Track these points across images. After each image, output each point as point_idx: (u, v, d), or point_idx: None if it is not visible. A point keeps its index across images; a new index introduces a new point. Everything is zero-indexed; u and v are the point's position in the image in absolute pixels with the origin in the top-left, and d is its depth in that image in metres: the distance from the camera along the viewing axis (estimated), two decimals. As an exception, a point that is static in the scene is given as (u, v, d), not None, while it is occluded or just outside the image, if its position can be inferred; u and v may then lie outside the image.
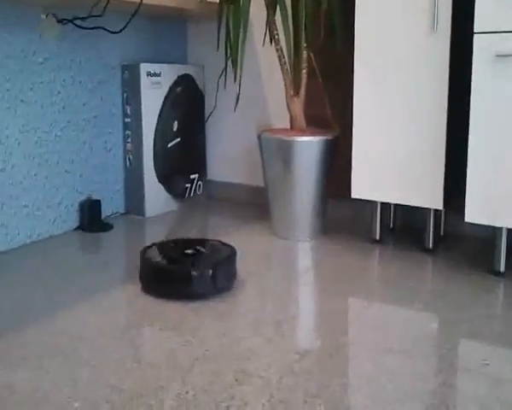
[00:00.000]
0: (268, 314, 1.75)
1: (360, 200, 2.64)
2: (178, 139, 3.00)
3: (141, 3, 2.39)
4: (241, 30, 2.36)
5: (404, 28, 2.16)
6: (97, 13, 2.46)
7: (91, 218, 2.64)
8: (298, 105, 2.49)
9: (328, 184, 2.46)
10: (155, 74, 2.82)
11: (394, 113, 2.22)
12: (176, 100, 2.96)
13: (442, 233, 2.52)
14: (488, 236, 2.43)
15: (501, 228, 2.07)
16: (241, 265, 2.16)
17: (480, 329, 1.66)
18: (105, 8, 2.39)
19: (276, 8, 2.49)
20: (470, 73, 2.00)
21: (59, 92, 2.51)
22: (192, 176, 3.12)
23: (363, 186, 2.32)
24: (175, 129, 2.97)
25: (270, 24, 2.50)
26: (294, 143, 2.35)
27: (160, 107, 2.87)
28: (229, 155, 3.20)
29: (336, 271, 2.12)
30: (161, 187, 2.92)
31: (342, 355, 1.51)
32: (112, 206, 2.84)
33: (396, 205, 2.64)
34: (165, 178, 2.93)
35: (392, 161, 2.25)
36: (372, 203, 2.42)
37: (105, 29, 2.66)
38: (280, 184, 2.44)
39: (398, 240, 2.48)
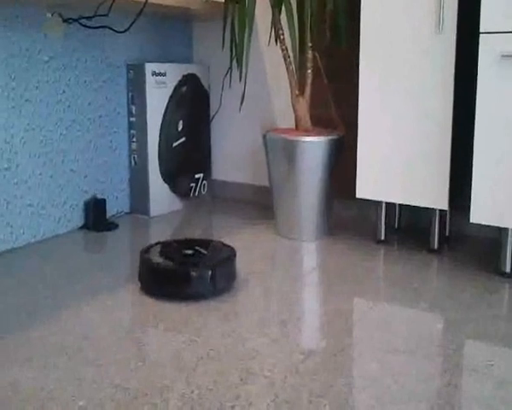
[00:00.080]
0: (272, 314, 1.75)
1: (365, 200, 2.64)
2: (183, 139, 3.01)
3: (146, 3, 2.39)
4: (247, 30, 2.36)
5: (409, 28, 2.16)
6: (103, 12, 2.46)
7: (96, 217, 2.64)
8: (303, 105, 2.49)
9: (333, 184, 2.46)
10: (160, 74, 2.82)
11: (399, 113, 2.22)
12: (181, 99, 2.96)
13: (447, 234, 2.52)
14: (494, 236, 2.43)
15: (506, 229, 2.06)
16: (245, 265, 2.16)
17: (486, 329, 1.65)
18: (110, 7, 2.39)
19: (281, 7, 2.49)
20: (476, 74, 2.00)
21: (64, 91, 2.51)
22: (197, 175, 3.12)
23: (368, 186, 2.32)
24: (180, 128, 2.97)
25: (276, 24, 2.50)
26: (299, 143, 2.35)
27: (165, 106, 2.87)
28: (233, 154, 3.20)
29: (341, 271, 2.11)
30: (166, 186, 2.92)
31: (347, 355, 1.51)
32: (117, 205, 2.84)
33: (401, 205, 2.64)
34: (169, 177, 2.93)
35: (398, 161, 2.24)
36: (377, 203, 2.42)
37: (110, 28, 2.67)
38: (285, 184, 2.43)
39: (403, 240, 2.48)
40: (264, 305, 1.82)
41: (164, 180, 2.90)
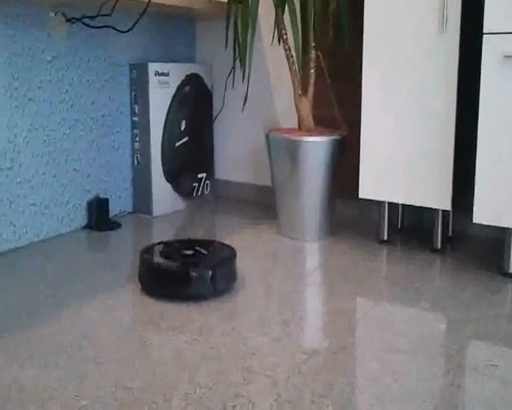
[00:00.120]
0: (274, 314, 1.75)
1: (368, 200, 2.64)
2: (186, 138, 3.01)
3: (149, 3, 2.39)
4: (250, 29, 2.36)
5: (412, 27, 2.16)
6: (106, 12, 2.47)
7: (99, 216, 2.64)
8: (306, 105, 2.49)
9: (335, 184, 2.46)
10: (163, 74, 2.82)
11: (402, 112, 2.22)
12: (184, 99, 2.96)
13: (450, 234, 2.51)
14: (497, 236, 2.43)
15: (510, 229, 2.06)
16: (248, 264, 2.16)
17: (488, 329, 1.65)
18: (114, 7, 2.39)
19: (284, 7, 2.49)
20: (479, 74, 2.00)
21: (67, 91, 2.52)
22: (199, 175, 3.12)
23: (370, 186, 2.31)
24: (183, 128, 2.97)
25: (279, 23, 2.49)
26: (302, 142, 2.35)
27: (167, 106, 2.87)
28: (236, 154, 3.20)
29: (344, 271, 2.11)
30: (169, 186, 2.92)
31: (349, 355, 1.51)
32: (119, 205, 2.84)
33: (404, 205, 2.64)
34: (172, 177, 2.93)
35: (400, 161, 2.24)
36: (380, 203, 2.41)
37: (113, 28, 2.67)
38: (287, 183, 2.43)
39: (405, 240, 2.47)
40: (265, 304, 1.82)
41: (167, 180, 2.90)
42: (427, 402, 1.29)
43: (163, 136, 2.86)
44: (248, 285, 1.97)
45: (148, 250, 1.99)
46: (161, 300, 1.84)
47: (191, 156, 3.05)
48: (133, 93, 2.82)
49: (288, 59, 2.46)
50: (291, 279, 2.03)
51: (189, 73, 2.98)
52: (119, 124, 2.79)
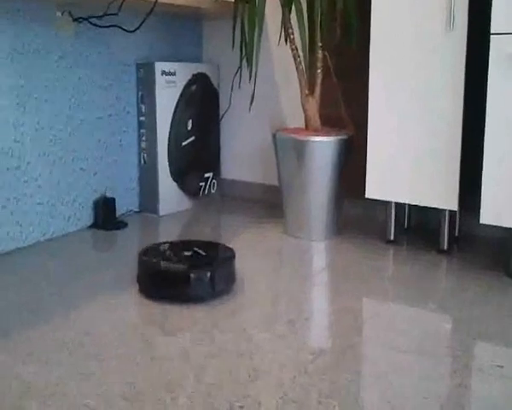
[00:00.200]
0: (280, 314, 1.75)
1: (374, 200, 2.63)
2: (193, 138, 3.01)
3: (156, 2, 2.40)
4: (257, 29, 2.36)
5: (419, 26, 2.15)
6: (113, 11, 2.47)
7: (106, 216, 2.65)
8: (313, 105, 2.49)
9: (342, 184, 2.45)
10: (170, 73, 2.82)
11: (410, 112, 2.21)
12: (190, 98, 2.96)
13: (457, 234, 2.51)
14: (504, 237, 2.42)
15: (516, 229, 2.06)
16: (253, 263, 2.16)
17: (495, 330, 1.65)
18: (120, 6, 2.39)
19: (291, 7, 2.49)
20: (486, 74, 1.99)
21: (74, 90, 2.52)
22: (206, 174, 3.12)
23: (377, 186, 2.31)
24: (189, 127, 2.98)
25: (286, 23, 2.49)
26: (309, 142, 2.35)
27: (174, 105, 2.87)
28: (243, 153, 3.20)
29: (350, 270, 2.11)
30: (175, 185, 2.92)
31: (356, 355, 1.51)
32: (126, 204, 2.85)
33: (411, 205, 2.63)
34: (179, 176, 2.93)
35: (407, 161, 2.24)
36: (386, 203, 2.41)
37: (120, 27, 2.67)
38: (294, 183, 2.43)
39: (412, 240, 2.47)
40: (271, 304, 1.82)
41: (173, 179, 2.90)
42: (434, 402, 1.29)
43: (170, 135, 2.86)
44: (253, 285, 1.97)
45: (146, 252, 1.98)
46: (161, 301, 1.83)
47: (198, 156, 3.05)
48: (140, 92, 2.82)
49: (294, 59, 2.46)
50: (297, 279, 2.03)
51: (195, 72, 2.98)
52: (125, 123, 2.79)
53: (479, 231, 2.53)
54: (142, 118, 2.84)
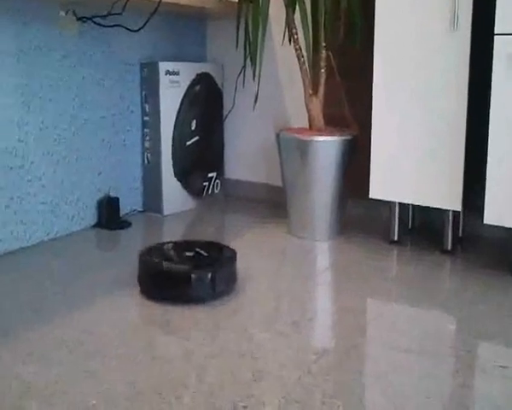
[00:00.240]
0: (283, 313, 1.75)
1: (378, 200, 2.63)
2: (197, 137, 3.01)
3: (160, 2, 2.40)
4: (261, 28, 2.36)
5: (423, 26, 2.15)
6: (117, 11, 2.47)
7: (109, 215, 2.65)
8: (316, 104, 2.49)
9: (346, 184, 2.45)
10: (174, 73, 2.82)
11: (414, 112, 2.21)
12: (194, 98, 2.96)
13: (461, 234, 2.50)
14: (508, 237, 2.41)
15: (520, 230, 2.05)
16: (257, 263, 2.16)
17: (498, 330, 1.64)
18: (124, 6, 2.39)
19: (295, 7, 2.49)
20: (489, 74, 1.99)
21: (77, 89, 2.52)
22: (210, 174, 3.12)
23: (380, 186, 2.31)
24: (193, 127, 2.98)
25: (290, 23, 2.49)
26: (313, 142, 2.35)
27: (178, 105, 2.87)
28: (247, 153, 3.20)
29: (353, 271, 2.11)
30: (179, 185, 2.92)
31: (359, 355, 1.51)
32: (130, 203, 2.85)
33: (414, 205, 2.63)
34: (183, 176, 2.93)
35: (411, 161, 2.23)
36: (390, 204, 2.41)
37: (124, 27, 2.67)
38: (298, 183, 2.43)
39: (416, 241, 2.47)
40: (274, 304, 1.82)
41: (177, 179, 2.90)
42: (437, 402, 1.29)
43: (173, 135, 2.86)
44: (256, 285, 1.97)
45: (147, 252, 1.98)
46: (162, 301, 1.83)
47: (201, 155, 3.05)
48: (144, 92, 2.83)
49: (298, 58, 2.46)
50: (300, 279, 2.03)
51: (199, 72, 2.98)
52: (129, 123, 2.80)
53: (482, 232, 2.52)
54: (145, 117, 2.84)
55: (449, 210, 2.27)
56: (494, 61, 1.97)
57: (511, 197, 1.98)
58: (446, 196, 2.18)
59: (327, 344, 1.56)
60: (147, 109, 2.82)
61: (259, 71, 2.40)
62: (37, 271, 2.09)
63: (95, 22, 2.53)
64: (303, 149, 2.37)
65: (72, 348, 1.53)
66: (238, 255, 1.97)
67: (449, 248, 2.30)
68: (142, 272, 1.91)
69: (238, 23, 2.49)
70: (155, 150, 2.82)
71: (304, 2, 2.44)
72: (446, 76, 2.13)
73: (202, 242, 2.13)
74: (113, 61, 2.68)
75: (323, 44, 2.44)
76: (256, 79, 2.73)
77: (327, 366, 1.45)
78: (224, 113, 3.20)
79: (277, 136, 2.49)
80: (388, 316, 1.74)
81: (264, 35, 2.37)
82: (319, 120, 2.50)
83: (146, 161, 2.87)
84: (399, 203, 2.39)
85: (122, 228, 2.62)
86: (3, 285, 1.96)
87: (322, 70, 2.47)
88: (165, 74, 2.78)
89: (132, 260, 2.20)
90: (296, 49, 2.46)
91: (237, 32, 2.50)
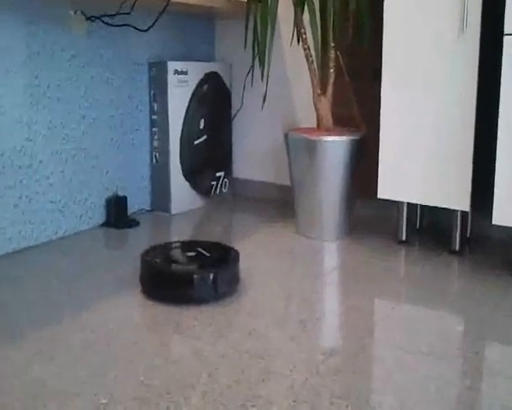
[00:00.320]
0: (291, 313, 1.75)
1: (386, 200, 2.63)
2: (205, 137, 3.01)
3: (169, 1, 2.40)
4: (269, 28, 2.36)
5: (432, 28, 2.14)
6: (125, 10, 2.47)
7: (117, 214, 2.65)
8: (325, 104, 2.49)
9: (354, 184, 2.45)
10: (182, 72, 2.82)
11: (422, 113, 2.20)
12: (203, 98, 2.96)
13: (469, 235, 2.50)
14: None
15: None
16: (265, 263, 2.16)
17: (506, 332, 1.64)
18: (133, 5, 2.40)
19: (303, 7, 2.48)
20: (499, 75, 1.98)
21: (86, 89, 2.53)
22: (218, 174, 3.13)
23: (389, 186, 2.30)
24: (201, 127, 2.98)
25: (298, 23, 2.49)
26: (321, 142, 2.35)
27: (186, 104, 2.87)
28: (255, 153, 3.20)
29: (361, 271, 2.11)
30: (187, 184, 2.92)
31: (368, 356, 1.50)
32: (138, 202, 2.85)
33: (423, 205, 2.62)
34: (191, 175, 2.94)
35: (419, 161, 2.23)
36: (398, 204, 2.40)
37: (133, 27, 2.68)
38: (306, 183, 2.43)
39: (424, 241, 2.46)
40: (282, 304, 1.82)
41: (185, 178, 2.91)
42: (445, 403, 1.29)
43: (182, 134, 2.86)
44: (265, 284, 1.97)
45: (149, 252, 1.98)
46: (164, 301, 1.83)
47: (210, 155, 3.06)
48: (152, 91, 2.83)
49: (307, 58, 2.46)
50: (308, 278, 2.03)
51: (208, 71, 2.98)
52: (137, 122, 2.80)
53: (491, 232, 2.52)
54: (154, 117, 2.84)
55: (457, 210, 2.27)
56: (503, 61, 1.96)
57: (520, 198, 1.98)
58: (454, 196, 2.18)
59: (335, 344, 1.56)
60: (155, 108, 2.83)
61: (268, 71, 2.40)
62: (45, 270, 2.09)
63: (103, 22, 2.54)
64: (311, 148, 2.37)
65: (80, 348, 1.53)
66: (246, 255, 1.98)
67: (457, 248, 2.29)
68: (144, 272, 1.91)
69: (247, 23, 2.49)
70: (163, 149, 2.83)
71: (313, 2, 2.44)
72: (455, 76, 2.12)
73: (205, 242, 2.13)
74: (121, 60, 2.68)
75: (332, 44, 2.44)
76: (264, 78, 2.73)
77: (335, 366, 1.45)
78: (233, 112, 3.21)
79: (286, 136, 2.49)
80: (396, 317, 1.74)
81: (272, 35, 2.37)
82: (327, 119, 2.50)
83: (154, 160, 2.87)
84: (407, 203, 2.38)
85: (130, 227, 2.62)
86: (12, 284, 1.96)
87: (331, 70, 2.47)
88: (174, 74, 2.78)
89: (139, 259, 2.20)
90: (305, 49, 2.46)
91: (246, 32, 2.50)
